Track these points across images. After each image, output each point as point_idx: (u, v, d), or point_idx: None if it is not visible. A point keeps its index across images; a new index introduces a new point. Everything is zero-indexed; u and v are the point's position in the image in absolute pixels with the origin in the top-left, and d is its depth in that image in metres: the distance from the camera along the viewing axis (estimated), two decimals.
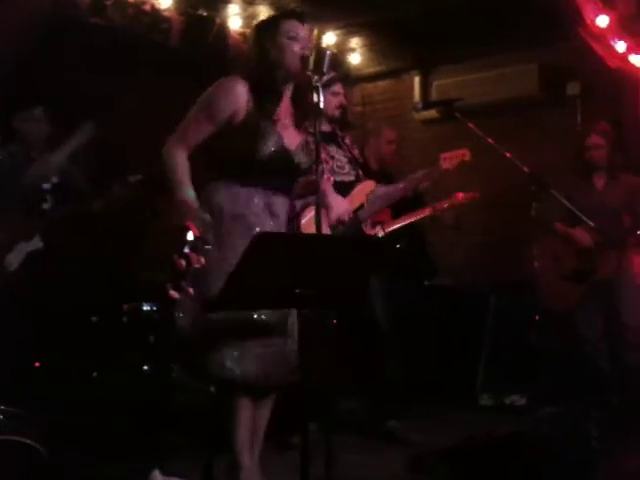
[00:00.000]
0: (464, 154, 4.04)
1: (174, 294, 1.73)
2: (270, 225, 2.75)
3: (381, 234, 4.17)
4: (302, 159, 2.83)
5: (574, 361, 4.24)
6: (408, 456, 3.09)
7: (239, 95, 2.69)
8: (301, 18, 2.84)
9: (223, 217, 2.68)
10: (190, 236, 1.73)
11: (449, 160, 4.02)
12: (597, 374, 4.14)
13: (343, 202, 3.79)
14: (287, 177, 2.83)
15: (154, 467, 2.82)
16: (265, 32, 2.79)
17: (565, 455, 2.87)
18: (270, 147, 2.69)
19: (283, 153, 2.74)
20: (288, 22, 2.78)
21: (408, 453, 3.21)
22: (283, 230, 2.82)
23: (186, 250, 1.73)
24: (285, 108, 2.80)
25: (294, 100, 2.82)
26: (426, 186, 4.20)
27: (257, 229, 2.68)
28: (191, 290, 1.75)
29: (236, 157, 2.70)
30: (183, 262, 1.71)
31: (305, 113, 2.81)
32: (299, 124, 2.85)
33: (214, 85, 2.74)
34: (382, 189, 4.10)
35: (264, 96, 2.71)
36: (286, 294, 2.24)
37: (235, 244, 2.54)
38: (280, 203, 2.81)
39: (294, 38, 2.74)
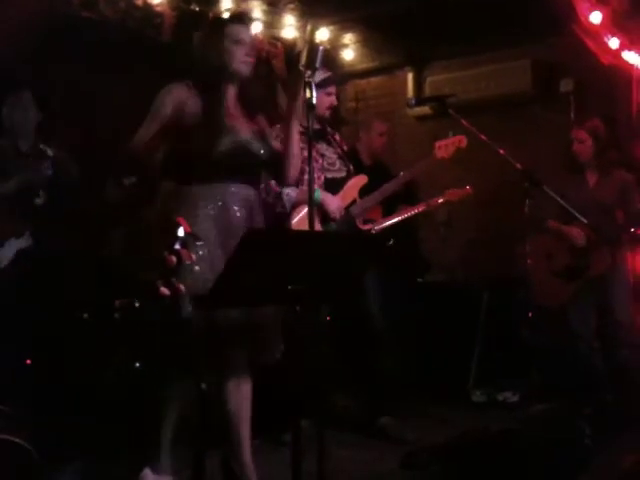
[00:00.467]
0: (460, 140, 3.94)
1: (165, 291, 1.71)
2: (238, 218, 2.78)
3: (373, 232, 4.17)
4: (260, 148, 2.87)
5: (567, 358, 4.24)
6: (401, 453, 3.08)
7: (177, 96, 2.76)
8: (246, 22, 2.91)
9: (192, 217, 2.67)
10: (181, 232, 1.72)
11: (444, 148, 3.93)
12: (590, 371, 4.15)
13: (334, 199, 3.79)
14: (249, 168, 2.87)
15: (145, 465, 2.81)
16: (210, 35, 2.83)
17: (558, 453, 2.87)
18: (227, 142, 2.74)
19: (241, 145, 2.79)
20: (233, 26, 2.82)
21: (401, 450, 3.20)
22: (254, 222, 2.85)
23: (177, 246, 1.72)
24: (232, 101, 2.85)
25: (241, 93, 2.87)
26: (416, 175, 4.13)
27: (228, 224, 2.72)
28: (182, 287, 1.75)
29: (196, 157, 2.73)
30: (174, 258, 1.70)
31: (253, 104, 2.89)
32: (249, 114, 2.89)
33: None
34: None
35: (211, 96, 2.76)
36: (278, 291, 2.23)
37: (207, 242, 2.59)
38: (246, 195, 2.84)
39: (239, 42, 2.79)
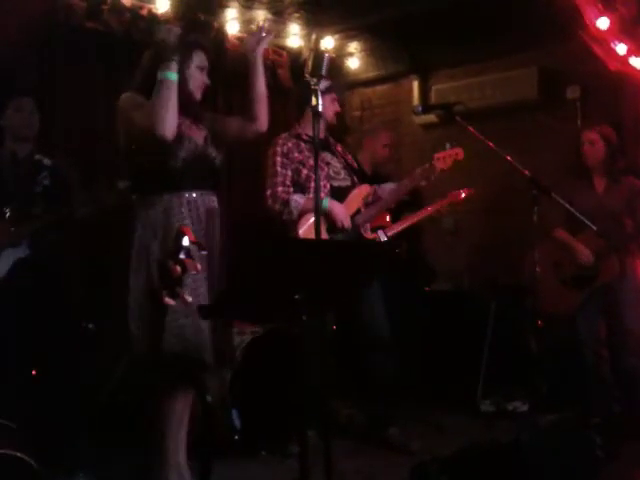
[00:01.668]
0: (457, 153, 3.99)
1: (169, 301, 1.69)
2: (205, 229, 2.83)
3: (384, 238, 4.17)
4: (214, 153, 2.94)
5: (575, 367, 4.20)
6: (408, 463, 3.04)
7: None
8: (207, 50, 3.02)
9: (154, 227, 2.75)
10: (185, 241, 1.70)
11: (443, 160, 3.97)
12: (599, 380, 4.10)
13: (342, 208, 3.79)
14: (208, 175, 2.92)
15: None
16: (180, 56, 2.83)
17: (568, 463, 2.83)
18: (185, 150, 2.80)
19: (199, 152, 2.86)
20: (200, 53, 2.94)
21: (408, 460, 3.16)
22: (218, 232, 2.90)
23: (181, 256, 1.69)
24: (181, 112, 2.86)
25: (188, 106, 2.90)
26: (424, 184, 4.12)
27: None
28: (188, 297, 1.72)
29: (156, 167, 2.79)
30: (178, 268, 1.67)
31: (198, 111, 2.96)
32: (196, 121, 2.95)
33: None
34: (385, 189, 4.09)
35: None
36: (285, 300, 2.21)
37: None
38: (207, 202, 2.88)
39: (203, 69, 2.95)
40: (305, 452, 2.21)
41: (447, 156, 3.97)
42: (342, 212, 3.79)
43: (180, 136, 2.79)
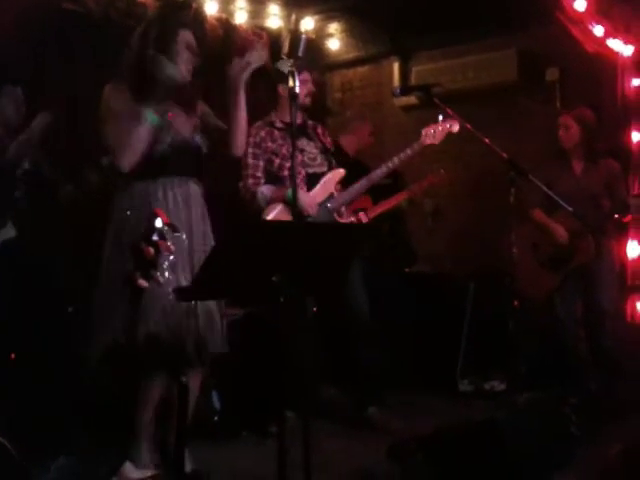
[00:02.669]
0: (452, 124, 3.82)
1: (143, 283, 1.69)
2: (185, 214, 2.83)
3: (365, 220, 4.17)
4: (200, 143, 2.93)
5: (553, 347, 4.25)
6: (387, 443, 3.07)
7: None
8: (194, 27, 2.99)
9: (130, 211, 2.76)
10: (159, 223, 1.69)
11: (433, 135, 3.83)
12: (576, 360, 4.15)
13: (306, 196, 3.74)
14: (191, 164, 2.91)
15: (125, 459, 2.80)
16: (160, 37, 2.80)
17: (544, 442, 2.87)
18: (166, 141, 2.79)
19: (181, 143, 2.84)
20: (186, 32, 2.88)
21: (387, 440, 3.19)
22: (199, 217, 2.90)
23: (154, 238, 1.69)
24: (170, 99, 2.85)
25: (178, 91, 2.87)
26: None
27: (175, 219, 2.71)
28: (161, 278, 1.72)
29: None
30: (151, 250, 1.67)
31: (190, 99, 2.93)
32: (187, 109, 2.93)
33: None
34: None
35: (149, 96, 2.76)
36: (263, 282, 2.21)
37: None
38: (190, 191, 2.88)
39: (190, 47, 2.87)
40: (283, 432, 2.23)
41: (439, 129, 3.83)
42: (307, 200, 3.74)
43: (163, 124, 2.79)
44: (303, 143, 3.89)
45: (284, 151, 3.80)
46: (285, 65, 2.59)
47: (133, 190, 2.80)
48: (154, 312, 2.66)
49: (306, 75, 3.82)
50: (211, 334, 2.82)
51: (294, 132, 2.70)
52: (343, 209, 3.94)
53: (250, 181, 3.79)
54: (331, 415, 4.04)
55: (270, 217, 3.71)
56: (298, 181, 3.71)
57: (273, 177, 3.81)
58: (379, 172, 3.90)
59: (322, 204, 3.82)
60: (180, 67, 2.82)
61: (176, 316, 2.66)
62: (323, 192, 3.85)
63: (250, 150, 3.79)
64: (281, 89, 3.83)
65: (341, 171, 3.93)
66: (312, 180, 3.84)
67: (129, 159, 2.71)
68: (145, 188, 2.79)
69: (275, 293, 2.29)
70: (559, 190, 3.71)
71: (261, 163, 3.81)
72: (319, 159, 3.94)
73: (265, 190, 3.76)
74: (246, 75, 2.86)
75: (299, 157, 3.82)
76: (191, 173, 2.91)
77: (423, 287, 5.03)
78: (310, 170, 3.87)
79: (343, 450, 3.49)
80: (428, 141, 3.85)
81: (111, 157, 2.68)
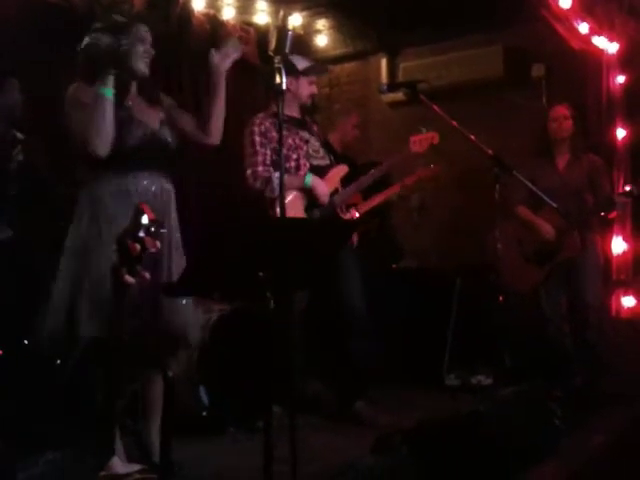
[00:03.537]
0: (433, 137, 4.11)
1: (129, 279, 1.70)
2: (154, 206, 2.72)
3: (356, 215, 4.21)
4: (168, 136, 2.90)
5: (538, 341, 4.29)
6: (374, 437, 3.09)
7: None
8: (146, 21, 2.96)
9: (106, 208, 2.72)
10: (144, 219, 1.70)
11: (419, 143, 4.08)
12: (561, 354, 4.19)
13: (324, 185, 3.83)
14: (160, 157, 2.88)
15: (112, 454, 2.80)
16: (119, 33, 2.80)
17: (528, 434, 2.90)
18: (136, 133, 2.76)
19: (150, 135, 2.82)
20: (138, 26, 2.86)
21: (375, 435, 3.21)
22: (169, 210, 2.88)
23: (140, 234, 1.69)
24: (134, 94, 2.85)
25: (141, 86, 2.88)
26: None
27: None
28: (147, 275, 1.73)
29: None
30: (137, 246, 1.68)
31: (152, 91, 2.92)
32: (152, 104, 2.92)
33: None
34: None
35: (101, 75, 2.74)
36: (249, 278, 2.23)
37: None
38: (158, 183, 2.85)
39: (144, 41, 2.84)
40: (269, 427, 2.24)
41: (423, 140, 4.10)
42: (325, 190, 3.83)
43: (130, 118, 2.77)
44: (306, 135, 3.95)
45: (289, 141, 3.83)
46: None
47: (102, 184, 2.76)
48: (137, 307, 2.66)
49: (313, 78, 3.93)
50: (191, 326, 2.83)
51: (281, 127, 2.70)
52: (344, 205, 4.02)
53: (260, 168, 3.76)
54: (317, 410, 4.05)
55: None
56: (302, 173, 3.82)
57: (277, 167, 3.83)
58: (377, 173, 4.11)
59: (330, 197, 3.89)
60: (137, 61, 2.82)
61: (159, 310, 2.66)
62: (331, 185, 3.91)
63: (257, 139, 3.80)
64: (288, 82, 3.87)
65: (345, 167, 4.03)
66: (316, 172, 3.90)
67: (101, 139, 2.66)
68: (116, 184, 2.76)
69: (261, 289, 2.31)
70: (543, 186, 3.74)
71: (268, 152, 3.81)
72: (321, 152, 4.02)
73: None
74: (227, 64, 2.88)
75: (304, 148, 3.90)
76: (160, 168, 2.88)
77: (410, 282, 5.05)
78: (314, 162, 3.94)
79: (330, 445, 3.50)
80: (415, 149, 4.10)
81: (87, 147, 2.65)
